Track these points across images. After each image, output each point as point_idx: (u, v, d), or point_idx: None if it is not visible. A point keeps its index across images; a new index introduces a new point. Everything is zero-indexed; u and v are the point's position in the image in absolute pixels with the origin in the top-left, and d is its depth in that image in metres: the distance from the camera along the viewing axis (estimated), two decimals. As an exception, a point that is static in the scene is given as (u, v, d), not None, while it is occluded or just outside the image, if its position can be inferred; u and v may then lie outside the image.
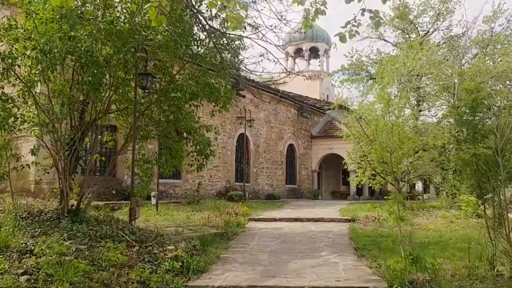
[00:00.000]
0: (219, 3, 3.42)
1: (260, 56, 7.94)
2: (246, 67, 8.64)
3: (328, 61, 38.73)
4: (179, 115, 7.95)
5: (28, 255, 5.59)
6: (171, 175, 16.32)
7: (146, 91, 8.55)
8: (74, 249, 5.87)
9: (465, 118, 10.62)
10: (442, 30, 26.87)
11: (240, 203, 13.81)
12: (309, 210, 14.03)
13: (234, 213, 11.02)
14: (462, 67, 17.96)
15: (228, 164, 19.13)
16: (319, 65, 38.95)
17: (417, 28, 26.82)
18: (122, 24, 7.24)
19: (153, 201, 11.06)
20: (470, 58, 23.18)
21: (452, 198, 13.73)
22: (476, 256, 5.75)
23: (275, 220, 10.90)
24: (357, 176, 14.16)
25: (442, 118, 21.70)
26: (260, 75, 8.77)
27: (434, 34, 27.09)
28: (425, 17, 27.53)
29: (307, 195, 25.00)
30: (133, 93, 8.77)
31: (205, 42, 8.63)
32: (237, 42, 8.61)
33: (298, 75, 8.50)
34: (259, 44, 8.34)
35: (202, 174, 17.55)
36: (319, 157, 26.23)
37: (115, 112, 8.57)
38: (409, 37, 27.61)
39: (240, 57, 8.93)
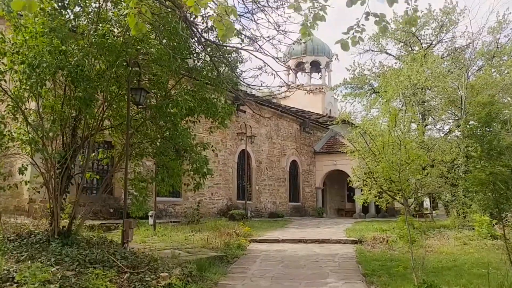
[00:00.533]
0: (202, 8, 3.01)
1: (259, 69, 7.55)
2: (244, 81, 8.25)
3: (330, 75, 38.54)
4: (174, 132, 7.55)
5: (9, 283, 5.16)
6: (170, 193, 15.87)
7: (140, 106, 8.22)
8: (59, 276, 5.42)
9: (478, 133, 10.15)
10: (445, 42, 26.62)
11: (242, 223, 13.30)
12: (313, 230, 13.50)
13: (235, 233, 10.51)
14: (468, 79, 17.59)
15: (229, 182, 18.67)
16: (320, 78, 38.75)
17: (420, 40, 26.57)
18: (113, 38, 6.91)
19: (151, 221, 10.59)
20: (475, 70, 22.85)
21: (464, 217, 13.17)
22: (497, 285, 5.23)
23: (278, 241, 10.38)
24: (362, 194, 13.65)
25: (449, 132, 21.26)
26: (259, 89, 8.38)
27: (437, 46, 26.83)
28: (428, 29, 27.31)
29: (311, 213, 24.41)
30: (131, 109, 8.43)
31: (202, 56, 8.30)
32: (234, 55, 8.26)
33: (298, 89, 8.12)
34: (257, 57, 7.97)
35: (202, 192, 17.10)
36: (323, 174, 25.72)
37: (109, 129, 8.20)
38: (411, 49, 27.34)
39: (238, 70, 8.57)
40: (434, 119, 21.63)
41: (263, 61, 7.58)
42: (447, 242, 10.34)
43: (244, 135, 16.97)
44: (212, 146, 8.69)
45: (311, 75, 39.01)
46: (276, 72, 6.56)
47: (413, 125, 18.55)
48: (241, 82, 8.38)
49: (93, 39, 6.82)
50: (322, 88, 37.18)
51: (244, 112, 19.55)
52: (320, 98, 36.48)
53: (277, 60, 6.81)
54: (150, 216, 10.63)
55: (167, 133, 7.74)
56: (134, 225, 7.20)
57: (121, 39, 6.96)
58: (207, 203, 17.32)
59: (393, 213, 26.43)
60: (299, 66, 38.11)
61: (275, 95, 7.64)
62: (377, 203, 14.10)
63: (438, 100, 18.60)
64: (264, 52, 6.83)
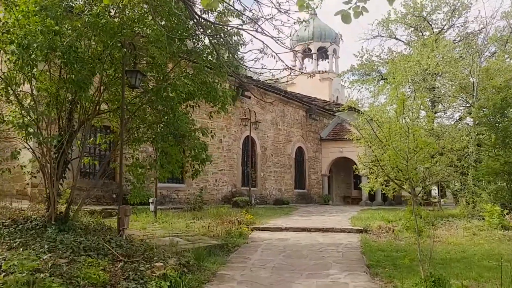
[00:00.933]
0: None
1: (260, 52, 7.20)
2: (244, 65, 7.92)
3: (337, 62, 37.88)
4: (173, 117, 7.26)
5: (-3, 271, 4.96)
6: (174, 179, 15.69)
7: (138, 90, 7.96)
8: (50, 265, 5.22)
9: (492, 119, 9.70)
10: (457, 27, 25.87)
11: (245, 210, 13.08)
12: (318, 218, 13.25)
13: (237, 221, 10.29)
14: (481, 65, 17.02)
15: (234, 168, 18.43)
16: (328, 63, 38.08)
17: (431, 25, 25.85)
18: (108, 18, 6.59)
19: (151, 207, 10.40)
20: (488, 56, 22.16)
21: (473, 207, 12.81)
22: (510, 279, 4.93)
23: (281, 229, 10.13)
24: (369, 182, 13.34)
25: (459, 119, 20.72)
26: (260, 73, 8.00)
27: (449, 31, 26.11)
28: (439, 13, 26.57)
29: (317, 200, 24.17)
30: (128, 92, 8.15)
31: (201, 38, 7.96)
32: (235, 38, 7.89)
33: (301, 73, 7.75)
34: (258, 39, 7.54)
35: (206, 179, 16.91)
36: (329, 161, 25.39)
37: (107, 113, 7.94)
38: (422, 35, 26.62)
39: (239, 53, 8.22)
40: (444, 106, 21.08)
41: (264, 43, 7.19)
42: (455, 232, 10.02)
43: (248, 121, 16.61)
44: (211, 132, 8.41)
45: (318, 61, 38.42)
46: (276, 54, 6.22)
47: (423, 112, 18.10)
48: (242, 66, 8.03)
49: (87, 19, 6.52)
50: (327, 72, 36.52)
51: (249, 97, 19.19)
52: (327, 84, 35.96)
53: (278, 41, 6.46)
54: (151, 202, 10.43)
55: (165, 118, 7.45)
56: (130, 212, 6.98)
57: (117, 19, 6.65)
58: (211, 189, 17.12)
59: (400, 201, 26.09)
60: (306, 52, 37.51)
61: (277, 79, 7.27)
62: (383, 191, 13.78)
63: (449, 87, 18.07)
64: (265, 33, 6.48)
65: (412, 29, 27.88)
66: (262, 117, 20.39)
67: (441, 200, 24.28)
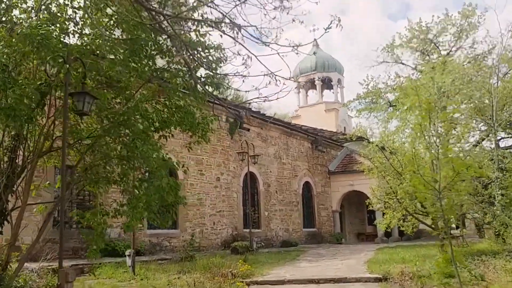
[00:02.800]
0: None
1: (243, 64, 5.80)
2: (228, 84, 6.54)
3: (343, 92, 36.72)
4: (141, 150, 5.76)
5: None
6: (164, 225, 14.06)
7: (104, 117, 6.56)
8: None
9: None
10: (465, 48, 24.78)
11: (245, 257, 11.33)
12: (329, 262, 11.43)
13: (231, 274, 8.57)
14: (497, 85, 15.56)
15: (234, 208, 16.76)
16: (332, 93, 36.85)
17: (438, 47, 24.73)
18: (49, 28, 5.29)
19: (128, 261, 8.74)
20: (501, 77, 20.77)
21: (503, 240, 11.00)
22: None
23: (283, 283, 8.35)
24: (385, 218, 11.58)
25: (477, 143, 19.05)
26: (250, 101, 6.53)
27: (457, 53, 24.92)
28: (446, 35, 25.56)
29: (328, 239, 22.17)
30: (86, 123, 6.76)
31: (174, 54, 6.62)
32: (214, 54, 6.52)
33: (296, 81, 6.29)
34: (241, 44, 5.89)
35: (203, 221, 15.26)
36: (339, 195, 23.57)
37: (57, 150, 6.49)
38: (429, 58, 25.50)
39: (221, 71, 6.84)
40: (457, 131, 19.49)
41: (250, 52, 5.82)
42: (496, 276, 8.17)
43: (246, 154, 15.01)
44: (183, 166, 6.87)
45: (323, 92, 37.29)
46: (256, 57, 4.81)
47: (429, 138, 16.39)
48: (223, 85, 6.63)
49: (23, 31, 5.21)
50: (333, 103, 35.13)
51: (248, 130, 17.80)
52: (333, 115, 34.62)
53: (265, 43, 5.08)
54: (128, 255, 8.79)
55: (125, 152, 5.98)
56: (73, 277, 5.35)
57: (57, 29, 5.34)
58: (209, 233, 15.40)
59: (419, 235, 24.00)
60: (310, 84, 36.51)
61: (265, 97, 5.86)
62: (401, 228, 11.99)
63: (466, 108, 16.58)
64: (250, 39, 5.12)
65: (419, 53, 26.86)
66: (263, 150, 18.90)
67: (457, 230, 22.14)
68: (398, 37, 26.63)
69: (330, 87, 37.03)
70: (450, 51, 25.69)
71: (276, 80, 6.00)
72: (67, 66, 5.18)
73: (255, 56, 5.53)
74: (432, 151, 10.80)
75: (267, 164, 19.02)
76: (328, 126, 30.83)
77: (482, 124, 17.02)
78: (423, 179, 7.33)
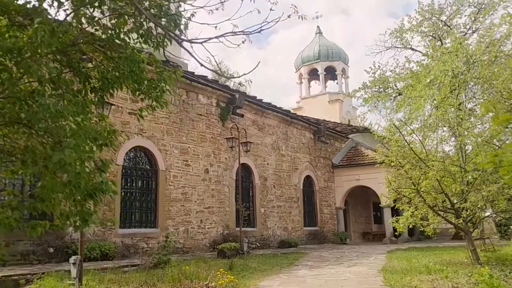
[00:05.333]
0: None
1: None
2: (190, 17, 4.51)
3: (347, 82, 34.62)
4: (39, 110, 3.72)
5: None
6: (141, 223, 12.09)
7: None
8: None
9: None
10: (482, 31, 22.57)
11: (232, 262, 9.35)
12: (333, 270, 9.41)
13: (206, 288, 6.60)
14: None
15: (225, 204, 14.75)
16: (336, 84, 34.70)
17: (451, 28, 22.62)
18: None
19: (73, 272, 6.73)
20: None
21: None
22: None
23: (273, 300, 6.38)
24: (403, 217, 9.51)
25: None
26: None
27: (473, 37, 22.84)
28: (460, 17, 23.47)
29: (331, 239, 20.14)
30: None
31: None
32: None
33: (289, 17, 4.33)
34: None
35: (188, 219, 13.26)
36: (344, 191, 21.53)
37: None
38: (441, 43, 23.39)
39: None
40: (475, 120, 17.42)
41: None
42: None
43: (236, 141, 12.81)
44: (112, 135, 4.82)
45: (326, 82, 35.19)
46: None
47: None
48: (183, 17, 4.60)
49: None
50: (337, 94, 32.88)
51: (242, 116, 15.75)
52: (337, 106, 32.56)
53: None
54: (73, 264, 6.79)
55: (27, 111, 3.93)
56: None
57: None
58: (195, 233, 13.40)
59: (429, 235, 21.99)
60: (313, 74, 34.43)
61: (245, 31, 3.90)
62: (422, 228, 9.95)
63: (483, 96, 14.49)
64: None
65: (430, 38, 24.82)
66: (260, 140, 16.87)
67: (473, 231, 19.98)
68: (408, 20, 24.63)
69: (334, 77, 34.95)
70: (465, 34, 23.62)
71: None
72: None
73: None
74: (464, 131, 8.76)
75: (263, 155, 16.99)
76: (332, 118, 28.83)
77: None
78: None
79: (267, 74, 71.85)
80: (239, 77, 4.34)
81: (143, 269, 8.80)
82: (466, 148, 9.50)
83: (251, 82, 4.51)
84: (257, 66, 4.73)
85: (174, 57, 16.18)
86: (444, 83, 9.20)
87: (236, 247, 11.27)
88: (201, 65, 4.40)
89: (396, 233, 18.44)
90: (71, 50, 4.76)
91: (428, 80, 9.62)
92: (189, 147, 13.68)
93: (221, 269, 7.46)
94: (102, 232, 10.89)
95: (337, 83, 34.78)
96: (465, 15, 23.45)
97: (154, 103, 5.06)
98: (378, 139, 11.69)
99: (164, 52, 5.11)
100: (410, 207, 9.12)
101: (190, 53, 4.48)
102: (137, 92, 5.06)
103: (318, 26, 35.75)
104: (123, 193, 11.69)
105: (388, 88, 24.33)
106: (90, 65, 5.10)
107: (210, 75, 16.40)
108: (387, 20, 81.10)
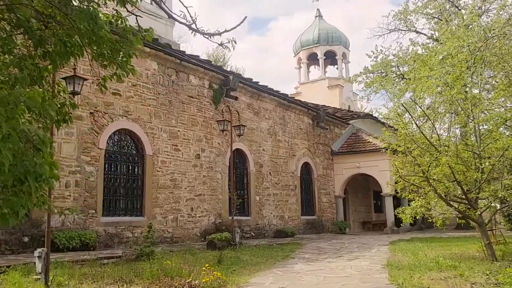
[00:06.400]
0: None
1: None
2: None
3: (348, 67, 33.57)
4: None
5: None
6: (127, 210, 11.26)
7: None
8: None
9: None
10: (493, 12, 21.57)
11: (221, 255, 8.53)
12: (333, 263, 8.60)
13: (188, 286, 5.77)
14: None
15: (218, 192, 13.90)
16: (336, 69, 33.64)
17: (458, 9, 21.57)
18: None
19: (38, 266, 5.88)
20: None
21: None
22: None
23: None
24: (404, 208, 8.63)
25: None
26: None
27: (482, 18, 21.80)
28: (469, -3, 22.41)
29: (330, 228, 19.39)
30: None
31: None
32: None
33: None
34: None
35: (178, 207, 12.44)
36: (343, 179, 20.71)
37: None
38: (448, 26, 22.39)
39: None
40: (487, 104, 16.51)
41: None
42: None
43: (228, 124, 11.80)
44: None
45: (326, 67, 34.16)
46: None
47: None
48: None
49: None
50: (337, 79, 31.79)
51: (236, 98, 14.82)
52: (337, 92, 31.58)
53: None
54: (38, 257, 5.94)
55: None
56: None
57: None
58: (185, 222, 12.58)
59: (431, 225, 21.28)
60: (312, 58, 33.36)
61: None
62: (430, 219, 9.12)
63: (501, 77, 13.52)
64: None
65: (435, 20, 23.79)
66: (255, 124, 15.98)
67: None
68: (413, 2, 23.68)
69: (334, 62, 33.88)
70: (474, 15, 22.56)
71: None
72: None
73: None
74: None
75: (259, 140, 16.10)
76: (332, 104, 27.88)
77: None
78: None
79: (267, 63, 70.69)
80: (220, 33, 3.46)
81: (124, 261, 7.98)
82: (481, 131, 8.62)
83: (235, 43, 3.62)
84: (242, 22, 3.84)
85: (165, 38, 15.14)
86: (460, 59, 8.28)
87: (228, 238, 10.45)
88: (169, 17, 3.51)
89: (401, 224, 17.70)
90: (20, 6, 3.85)
91: (441, 57, 8.70)
92: (179, 131, 12.78)
93: (207, 264, 6.63)
94: (83, 220, 10.05)
95: (337, 68, 33.75)
96: (473, -5, 22.42)
97: (119, 70, 4.15)
98: (383, 121, 10.78)
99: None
100: (419, 196, 8.26)
101: (157, 3, 3.58)
102: (100, 59, 4.14)
103: (318, 9, 34.61)
104: (106, 179, 10.82)
105: (391, 72, 23.42)
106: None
107: (203, 55, 15.42)
108: (390, 7, 79.50)
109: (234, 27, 3.54)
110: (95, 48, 3.97)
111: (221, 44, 3.56)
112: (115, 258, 8.30)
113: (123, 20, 4.16)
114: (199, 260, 8.14)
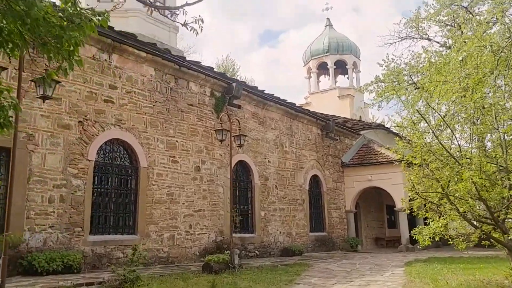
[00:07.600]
0: None
1: None
2: None
3: (359, 77, 32.66)
4: None
5: None
6: (118, 228, 10.41)
7: None
8: None
9: None
10: (509, 18, 20.54)
11: (214, 282, 7.58)
12: (341, 291, 7.61)
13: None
14: None
15: (219, 207, 12.99)
16: (347, 79, 32.71)
17: (472, 14, 20.62)
18: None
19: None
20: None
21: None
22: None
23: None
24: (421, 228, 7.64)
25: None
26: None
27: (496, 27, 20.82)
28: (483, 4, 21.48)
29: (341, 245, 18.29)
30: None
31: None
32: None
33: None
34: None
35: (175, 224, 11.55)
36: (354, 192, 19.64)
37: None
38: (461, 33, 21.44)
39: None
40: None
41: None
42: None
43: (226, 133, 10.77)
44: None
45: (337, 77, 33.30)
46: None
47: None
48: None
49: None
50: (347, 89, 30.81)
51: (239, 107, 13.99)
52: (348, 102, 30.64)
53: None
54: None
55: None
56: None
57: None
58: (182, 240, 11.67)
59: (446, 242, 20.02)
60: (322, 68, 32.53)
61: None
62: (450, 242, 8.11)
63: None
64: None
65: (448, 27, 22.86)
66: (260, 135, 15.11)
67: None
68: (424, 9, 22.87)
69: (344, 72, 33.00)
70: (489, 22, 21.57)
71: None
72: None
73: None
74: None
75: (264, 152, 15.21)
76: (342, 114, 26.90)
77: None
78: None
79: (278, 75, 70.15)
80: (177, 8, 2.63)
81: (108, 287, 7.09)
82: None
83: (202, 22, 2.77)
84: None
85: (168, 45, 14.38)
86: (483, 60, 7.33)
87: (226, 260, 9.47)
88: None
89: (417, 243, 16.53)
90: None
91: (460, 58, 7.78)
92: (177, 141, 11.96)
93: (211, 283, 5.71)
94: (67, 239, 9.21)
95: (347, 77, 32.83)
96: (488, 2, 21.49)
97: (64, 63, 3.32)
98: (396, 132, 9.82)
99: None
100: (439, 215, 7.25)
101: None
102: (43, 48, 3.31)
103: (328, 18, 33.87)
104: (95, 194, 10.00)
105: (403, 82, 22.48)
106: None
107: (212, 66, 14.69)
108: (400, 19, 78.60)
109: (195, 2, 2.69)
110: (34, 35, 3.16)
111: (184, 24, 2.72)
112: (95, 285, 7.42)
113: (74, 2, 3.35)
114: (191, 286, 7.22)
